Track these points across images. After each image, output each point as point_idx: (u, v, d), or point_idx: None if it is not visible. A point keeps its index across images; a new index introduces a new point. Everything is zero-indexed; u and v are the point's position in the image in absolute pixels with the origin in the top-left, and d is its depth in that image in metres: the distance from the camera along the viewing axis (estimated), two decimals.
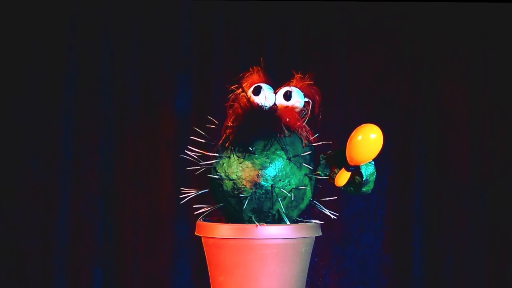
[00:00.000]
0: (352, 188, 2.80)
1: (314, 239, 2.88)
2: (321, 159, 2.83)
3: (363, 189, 2.77)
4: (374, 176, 2.76)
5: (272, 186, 2.75)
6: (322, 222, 2.89)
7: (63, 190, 3.81)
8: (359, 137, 2.63)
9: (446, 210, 3.80)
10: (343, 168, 2.73)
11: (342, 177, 2.75)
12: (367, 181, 2.75)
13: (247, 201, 2.76)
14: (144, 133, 3.86)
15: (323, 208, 2.86)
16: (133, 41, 3.85)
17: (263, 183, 2.75)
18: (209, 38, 3.86)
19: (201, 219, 2.90)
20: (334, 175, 2.78)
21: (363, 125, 2.66)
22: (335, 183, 2.78)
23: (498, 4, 3.75)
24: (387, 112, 3.83)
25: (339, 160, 2.76)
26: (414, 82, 3.84)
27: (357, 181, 2.76)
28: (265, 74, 2.89)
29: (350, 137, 2.65)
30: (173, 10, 3.85)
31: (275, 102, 2.85)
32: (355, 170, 2.73)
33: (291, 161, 2.77)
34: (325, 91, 2.94)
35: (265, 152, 2.75)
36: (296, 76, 2.89)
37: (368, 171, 2.74)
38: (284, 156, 2.77)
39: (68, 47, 3.82)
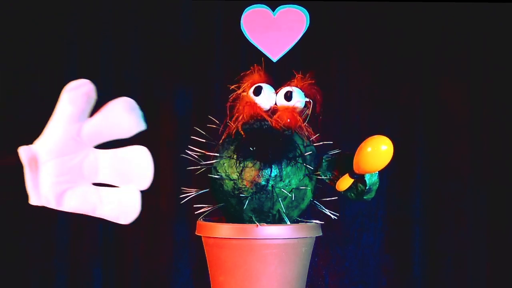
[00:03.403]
0: (353, 194, 2.78)
1: (315, 239, 2.88)
2: (323, 161, 2.82)
3: (365, 197, 2.76)
4: (377, 186, 2.75)
5: (272, 186, 2.75)
6: (323, 222, 2.88)
7: None
8: (369, 149, 2.60)
9: (446, 210, 3.80)
10: (347, 174, 2.72)
11: (345, 183, 2.73)
12: (370, 189, 2.74)
13: (247, 201, 2.76)
14: (144, 133, 3.84)
15: (324, 208, 2.86)
16: (133, 41, 3.85)
17: (263, 183, 2.75)
18: (209, 38, 3.86)
19: (201, 219, 2.90)
20: (336, 179, 2.77)
21: (375, 136, 2.63)
22: (336, 187, 2.77)
23: (498, 4, 3.75)
24: (387, 112, 3.83)
25: (343, 165, 2.74)
26: (414, 82, 3.84)
27: (359, 188, 2.75)
28: (266, 73, 2.89)
29: (360, 147, 2.62)
30: (173, 10, 3.85)
31: (275, 103, 2.85)
32: (359, 178, 2.72)
33: (291, 161, 2.77)
34: (325, 91, 2.93)
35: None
36: (297, 76, 2.89)
37: (372, 180, 2.73)
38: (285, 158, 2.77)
39: (68, 47, 3.81)
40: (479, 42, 3.79)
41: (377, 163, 2.62)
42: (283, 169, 2.75)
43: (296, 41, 2.91)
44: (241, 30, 2.92)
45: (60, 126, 2.73)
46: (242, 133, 2.78)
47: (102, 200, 2.74)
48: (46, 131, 2.75)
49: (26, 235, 3.78)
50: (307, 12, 2.90)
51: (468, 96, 3.81)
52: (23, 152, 2.74)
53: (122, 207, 2.75)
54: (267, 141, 2.74)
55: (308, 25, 2.90)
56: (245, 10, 2.92)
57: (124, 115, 2.77)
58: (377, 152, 2.59)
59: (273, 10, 2.93)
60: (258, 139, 2.75)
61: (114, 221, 2.77)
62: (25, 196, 3.77)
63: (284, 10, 2.92)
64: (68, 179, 2.72)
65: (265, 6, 2.92)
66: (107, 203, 2.74)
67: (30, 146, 2.76)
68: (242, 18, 2.92)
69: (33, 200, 2.73)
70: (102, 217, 2.77)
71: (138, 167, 2.76)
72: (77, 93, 2.73)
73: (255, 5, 2.93)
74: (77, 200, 2.73)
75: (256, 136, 2.76)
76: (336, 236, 3.79)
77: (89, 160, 2.76)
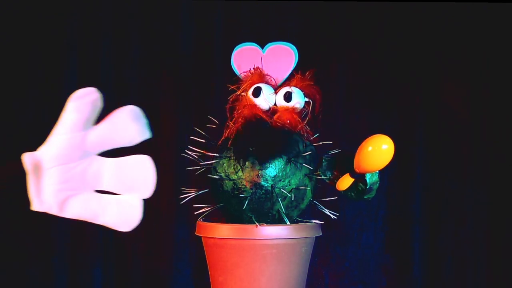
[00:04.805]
0: (353, 194, 2.78)
1: (314, 239, 2.88)
2: (323, 160, 2.82)
3: (365, 197, 2.76)
4: (378, 185, 2.75)
5: (272, 186, 2.75)
6: (322, 222, 2.88)
7: None
8: (370, 148, 2.60)
9: (446, 210, 3.80)
10: (347, 174, 2.72)
11: (345, 182, 2.73)
12: (370, 189, 2.74)
13: (247, 201, 2.76)
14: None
15: (324, 208, 2.86)
16: (133, 41, 3.85)
17: (263, 183, 2.75)
18: (209, 38, 3.86)
19: (201, 219, 2.91)
20: (337, 178, 2.77)
21: (375, 135, 2.63)
22: (336, 187, 2.77)
23: (498, 4, 3.75)
24: (387, 112, 3.83)
25: (343, 164, 2.74)
26: (414, 82, 3.84)
27: (360, 188, 2.75)
28: (266, 74, 2.89)
29: (360, 146, 2.62)
30: (173, 10, 3.85)
31: (275, 103, 2.85)
32: (360, 178, 2.72)
33: (291, 161, 2.77)
34: (325, 91, 2.93)
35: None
36: (296, 76, 2.89)
37: (373, 179, 2.72)
38: (285, 157, 2.77)
39: (68, 47, 3.81)
40: (479, 42, 3.79)
41: (378, 162, 2.62)
42: (283, 169, 2.76)
43: (286, 77, 2.94)
44: (231, 67, 2.97)
45: (64, 133, 2.76)
46: (241, 133, 2.78)
47: (104, 208, 2.77)
48: (50, 138, 2.78)
49: (26, 235, 3.78)
50: (295, 48, 2.94)
51: (468, 96, 3.81)
52: (27, 158, 2.76)
53: (124, 215, 2.78)
54: (266, 140, 2.74)
55: (297, 61, 2.93)
56: (235, 48, 2.97)
57: (129, 124, 2.79)
58: (378, 151, 2.59)
59: (262, 47, 2.96)
60: (257, 139, 2.75)
61: (115, 229, 2.80)
62: (25, 198, 3.78)
63: (273, 47, 2.97)
64: (71, 186, 2.75)
65: (255, 44, 2.97)
66: (109, 211, 2.77)
67: (34, 152, 2.78)
68: (232, 56, 2.97)
69: (35, 206, 2.75)
70: (103, 225, 2.79)
71: (141, 176, 2.78)
72: (83, 101, 2.75)
73: (244, 43, 2.98)
74: (80, 207, 2.77)
75: (255, 136, 2.76)
76: (336, 236, 3.79)
77: (93, 168, 2.79)
